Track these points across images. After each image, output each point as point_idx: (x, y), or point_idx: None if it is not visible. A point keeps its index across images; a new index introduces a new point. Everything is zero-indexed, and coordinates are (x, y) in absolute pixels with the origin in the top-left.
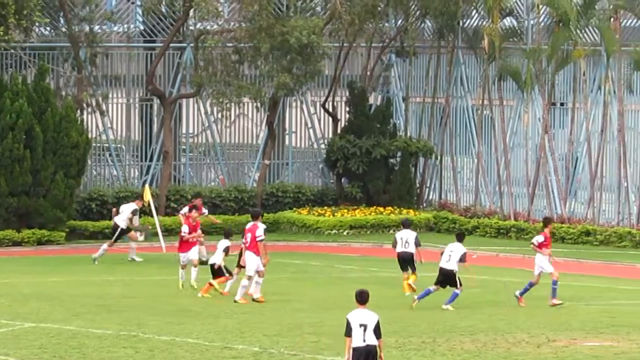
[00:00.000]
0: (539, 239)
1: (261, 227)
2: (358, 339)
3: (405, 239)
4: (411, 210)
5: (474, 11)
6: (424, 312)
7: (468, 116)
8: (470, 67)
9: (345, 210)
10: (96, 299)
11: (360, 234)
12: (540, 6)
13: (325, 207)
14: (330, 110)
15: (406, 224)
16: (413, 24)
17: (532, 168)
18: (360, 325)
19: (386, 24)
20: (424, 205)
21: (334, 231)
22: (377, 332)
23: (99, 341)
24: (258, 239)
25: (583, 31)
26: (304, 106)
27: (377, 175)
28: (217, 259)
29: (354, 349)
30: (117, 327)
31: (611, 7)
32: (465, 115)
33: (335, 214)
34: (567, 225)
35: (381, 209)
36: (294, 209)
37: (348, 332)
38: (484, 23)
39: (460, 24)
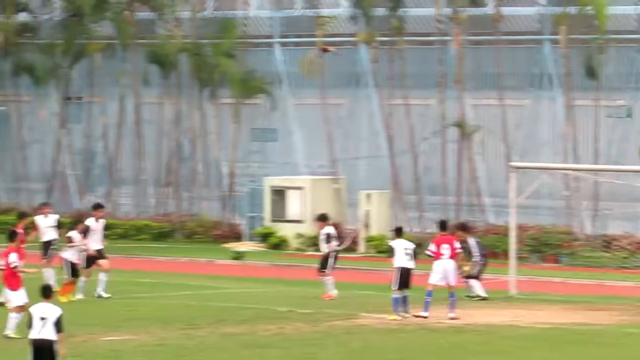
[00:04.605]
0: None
1: None
2: (35, 332)
3: None
4: None
5: None
6: None
7: None
8: None
9: None
10: None
11: None
12: (55, 1)
13: None
14: None
15: None
16: None
17: (50, 163)
18: (41, 319)
19: None
20: None
21: None
22: (58, 325)
23: None
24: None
25: (98, 25)
26: None
27: None
28: None
29: (31, 341)
30: None
31: (125, 0)
32: None
33: None
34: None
35: None
36: None
37: (29, 325)
38: None
39: None
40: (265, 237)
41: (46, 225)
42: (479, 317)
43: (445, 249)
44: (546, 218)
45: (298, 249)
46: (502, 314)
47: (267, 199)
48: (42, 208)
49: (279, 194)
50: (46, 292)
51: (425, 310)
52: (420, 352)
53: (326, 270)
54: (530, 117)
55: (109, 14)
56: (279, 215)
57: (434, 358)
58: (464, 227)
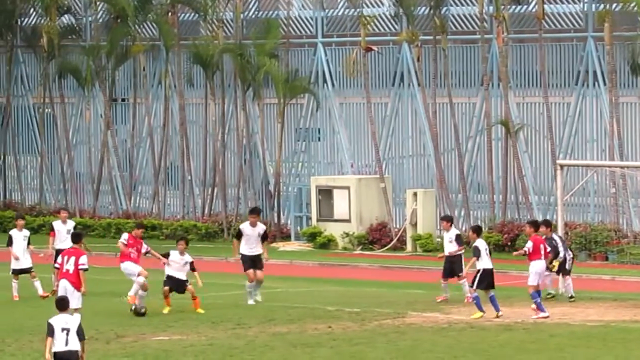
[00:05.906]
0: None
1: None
2: (60, 344)
3: None
4: None
5: (32, 9)
6: None
7: (30, 115)
8: (31, 65)
9: None
10: None
11: None
12: (98, 3)
13: None
14: None
15: None
16: None
17: (96, 164)
18: (63, 330)
19: None
20: None
21: None
22: (80, 333)
23: None
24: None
25: (141, 26)
26: None
27: None
28: None
29: (55, 354)
30: None
31: (168, 1)
32: (27, 114)
33: None
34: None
35: None
36: None
37: (50, 334)
38: (43, 21)
39: (19, 22)
40: (312, 236)
41: (64, 231)
42: (528, 314)
43: (542, 250)
44: (593, 215)
45: (345, 249)
46: (551, 311)
47: (314, 199)
48: (59, 212)
49: (325, 193)
50: (63, 305)
51: (543, 310)
52: (470, 350)
53: (462, 274)
54: (575, 114)
55: (152, 15)
56: (326, 214)
57: (483, 356)
58: (548, 224)
